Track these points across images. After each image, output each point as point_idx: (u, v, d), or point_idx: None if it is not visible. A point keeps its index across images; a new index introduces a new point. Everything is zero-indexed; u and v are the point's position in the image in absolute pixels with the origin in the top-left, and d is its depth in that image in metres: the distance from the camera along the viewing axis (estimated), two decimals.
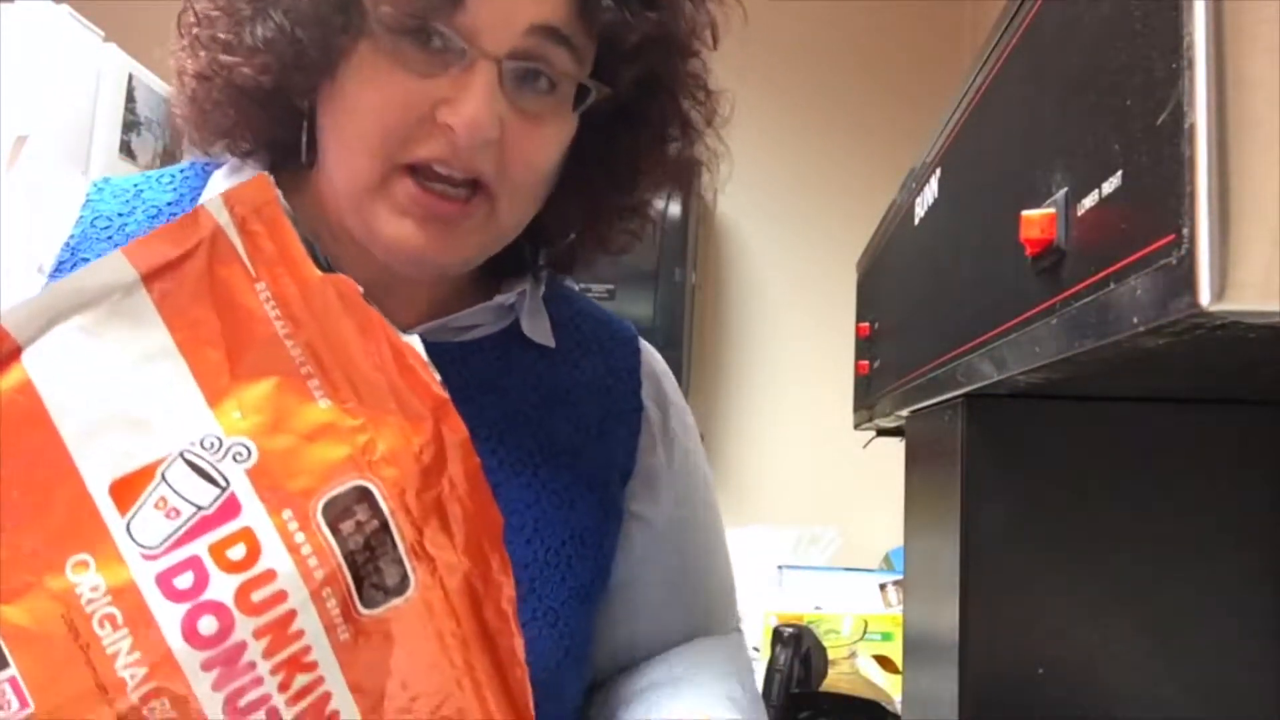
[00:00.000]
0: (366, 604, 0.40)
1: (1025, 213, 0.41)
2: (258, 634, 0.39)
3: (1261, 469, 0.54)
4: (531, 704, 0.45)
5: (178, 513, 0.39)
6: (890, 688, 1.21)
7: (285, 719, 0.39)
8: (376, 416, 0.42)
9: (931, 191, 0.65)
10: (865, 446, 1.00)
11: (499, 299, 0.68)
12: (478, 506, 0.43)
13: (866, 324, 0.92)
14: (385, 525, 0.41)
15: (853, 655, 1.36)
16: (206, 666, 0.38)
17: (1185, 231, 0.29)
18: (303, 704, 0.39)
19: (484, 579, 0.43)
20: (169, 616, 0.38)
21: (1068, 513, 0.55)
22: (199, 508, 0.39)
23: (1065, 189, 0.39)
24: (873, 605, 1.53)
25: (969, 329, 0.52)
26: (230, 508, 0.40)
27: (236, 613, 0.39)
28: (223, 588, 0.39)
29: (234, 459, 0.40)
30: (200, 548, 0.39)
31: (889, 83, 2.13)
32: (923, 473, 0.70)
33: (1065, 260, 0.39)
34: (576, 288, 0.83)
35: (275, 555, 0.39)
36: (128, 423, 0.40)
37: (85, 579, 0.38)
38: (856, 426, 0.97)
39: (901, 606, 1.25)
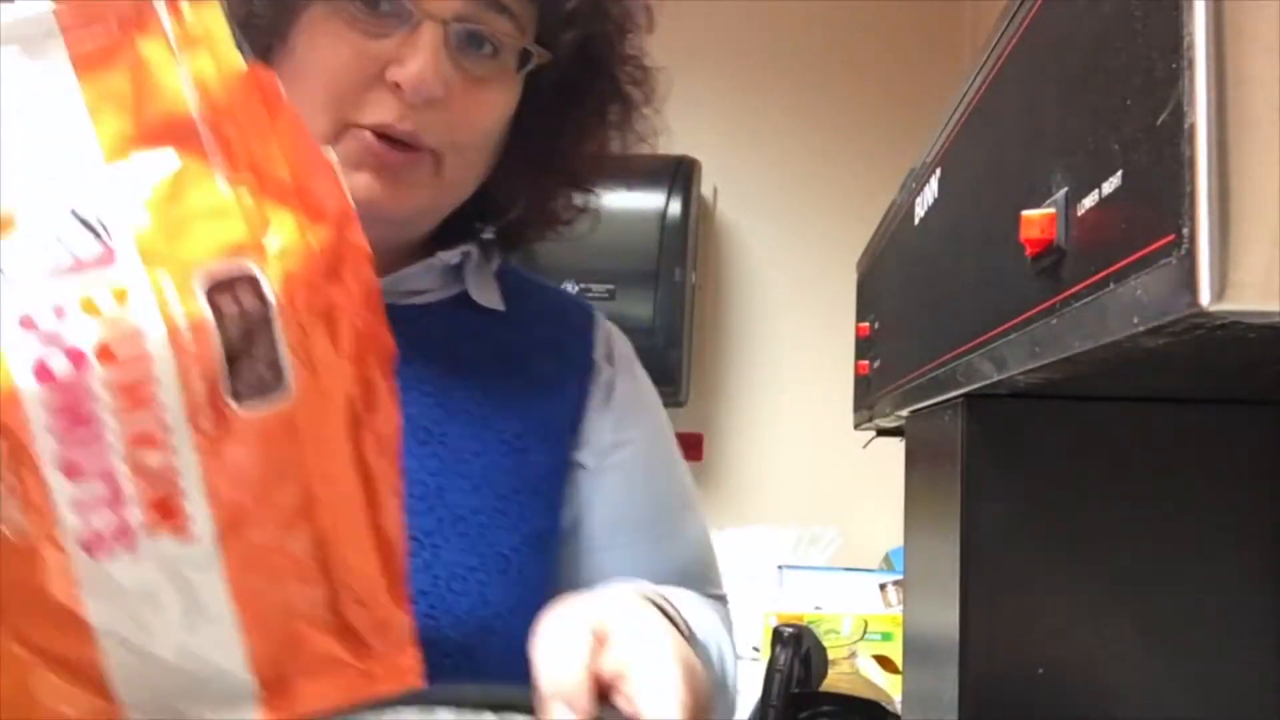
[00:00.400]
0: (236, 399, 0.37)
1: (1025, 213, 0.41)
2: (114, 397, 0.36)
3: (1261, 469, 0.54)
4: (404, 557, 0.41)
5: (54, 255, 0.37)
6: (890, 688, 1.21)
7: (125, 498, 0.36)
8: (278, 209, 0.40)
9: (931, 191, 0.65)
10: (865, 446, 1.00)
11: (442, 255, 0.70)
12: (369, 326, 0.41)
13: (866, 324, 0.92)
14: (268, 318, 0.38)
15: (853, 655, 1.36)
16: (49, 410, 0.35)
17: (1185, 231, 0.29)
18: (148, 487, 0.36)
19: (367, 403, 0.40)
20: (22, 349, 0.36)
21: (1068, 513, 0.55)
22: (77, 256, 0.37)
23: (1065, 189, 0.39)
24: (873, 605, 1.53)
25: (969, 329, 0.52)
26: (108, 263, 0.37)
27: (95, 365, 0.36)
28: (85, 337, 0.36)
29: (122, 218, 0.38)
30: (70, 294, 0.36)
31: (889, 82, 2.13)
32: (923, 473, 0.70)
33: (1065, 260, 0.39)
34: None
35: (147, 318, 0.37)
36: (19, 161, 0.38)
37: None
38: (856, 426, 0.97)
39: (901, 606, 1.25)
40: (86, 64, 0.40)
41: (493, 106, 0.66)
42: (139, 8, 0.41)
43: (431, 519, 0.65)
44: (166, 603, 0.37)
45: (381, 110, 0.61)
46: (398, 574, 0.41)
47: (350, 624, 0.39)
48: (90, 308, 0.36)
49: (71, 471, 0.36)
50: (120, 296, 0.37)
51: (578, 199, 0.78)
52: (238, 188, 0.40)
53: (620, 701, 0.47)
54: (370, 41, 0.60)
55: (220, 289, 0.37)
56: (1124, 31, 0.35)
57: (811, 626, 1.21)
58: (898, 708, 0.98)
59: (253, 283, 0.38)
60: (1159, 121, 0.31)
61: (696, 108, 2.17)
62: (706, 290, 2.16)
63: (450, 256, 0.70)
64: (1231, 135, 0.29)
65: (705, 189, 2.08)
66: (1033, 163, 0.44)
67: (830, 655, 1.20)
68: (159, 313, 0.37)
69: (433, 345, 0.69)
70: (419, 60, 0.60)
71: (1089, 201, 0.37)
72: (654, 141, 0.78)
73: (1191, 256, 0.29)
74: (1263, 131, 0.29)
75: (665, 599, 0.59)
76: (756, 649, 1.48)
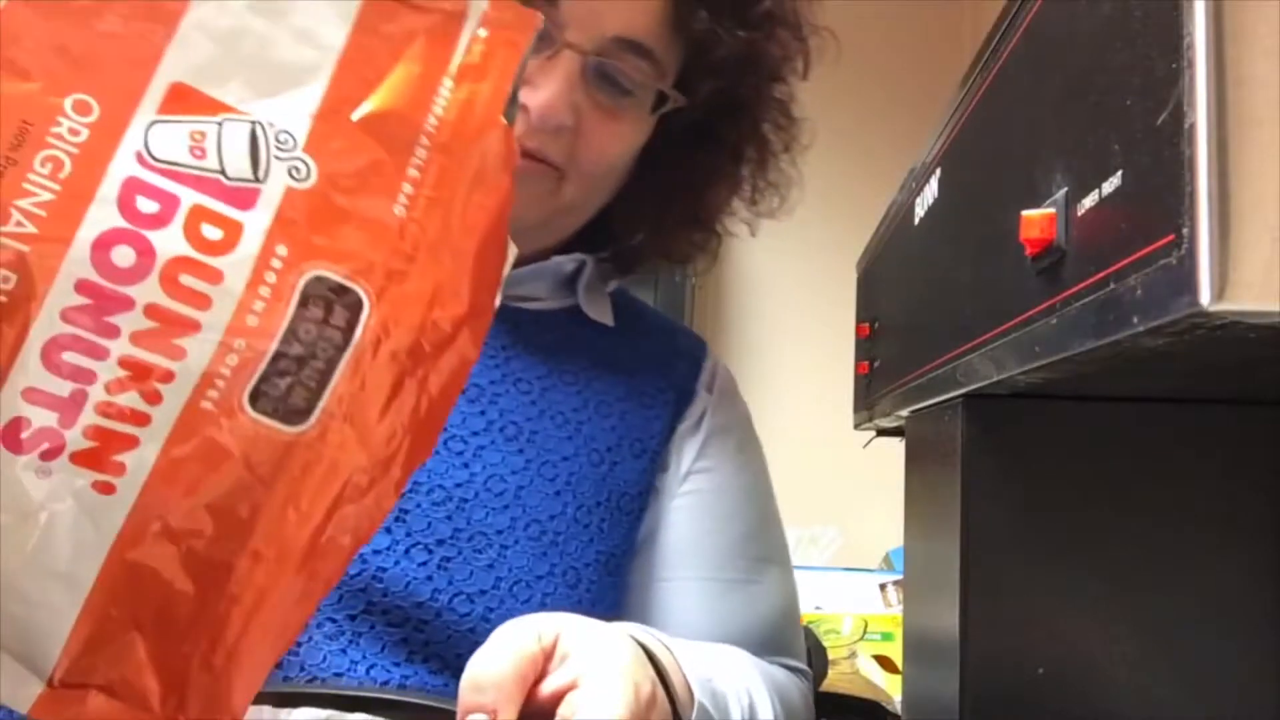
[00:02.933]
0: (251, 401, 0.33)
1: (1025, 213, 0.41)
2: (143, 320, 0.32)
3: (1261, 469, 0.54)
4: (276, 660, 0.36)
5: (202, 154, 0.34)
6: (890, 688, 1.21)
7: (79, 417, 0.32)
8: (425, 264, 0.36)
9: (931, 191, 0.65)
10: (865, 446, 1.00)
11: (556, 259, 0.69)
12: (421, 427, 0.37)
13: (866, 324, 0.92)
14: (342, 350, 0.34)
15: (853, 655, 1.36)
16: (77, 286, 0.32)
17: (1185, 231, 0.29)
18: (109, 422, 0.32)
19: (365, 490, 0.36)
20: (102, 216, 0.32)
21: (1068, 513, 0.55)
22: (222, 172, 0.34)
23: (1065, 189, 0.39)
24: (873, 605, 1.53)
25: (969, 329, 0.52)
26: (245, 199, 0.34)
27: (152, 277, 0.32)
28: (168, 244, 0.32)
29: (291, 170, 0.35)
30: (188, 198, 0.33)
31: (889, 82, 2.13)
32: (923, 473, 0.69)
33: (1065, 260, 0.39)
34: None
35: (235, 271, 0.33)
36: (241, 57, 0.35)
37: (75, 120, 0.33)
38: (856, 426, 0.97)
39: (901, 606, 1.25)
40: (366, 31, 0.37)
41: (620, 139, 0.65)
42: (454, 10, 0.38)
43: (505, 518, 0.63)
44: (38, 531, 0.32)
45: None
46: (259, 672, 0.35)
47: (183, 676, 0.34)
48: (194, 223, 0.33)
49: (50, 356, 0.32)
50: (229, 233, 0.33)
51: (698, 237, 0.77)
52: (411, 219, 0.36)
53: None
54: None
55: (319, 294, 0.34)
56: (1124, 31, 0.35)
57: (811, 626, 1.21)
58: (898, 708, 0.98)
59: (353, 310, 0.35)
60: (1159, 121, 0.31)
61: None
62: (706, 290, 2.16)
63: (564, 262, 0.69)
64: (1231, 135, 0.29)
65: None
66: (1033, 163, 0.44)
67: (830, 655, 1.20)
68: (249, 273, 0.33)
69: (536, 347, 0.68)
70: (551, 88, 0.59)
71: (1089, 201, 0.37)
72: (786, 193, 0.77)
73: (1191, 256, 0.29)
74: (1263, 131, 0.29)
75: (658, 638, 0.56)
76: None
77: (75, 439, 0.32)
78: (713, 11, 0.63)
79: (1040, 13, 0.45)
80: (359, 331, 0.34)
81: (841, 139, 2.15)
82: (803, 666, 0.76)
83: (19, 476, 0.32)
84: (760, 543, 0.75)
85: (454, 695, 0.58)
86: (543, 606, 0.62)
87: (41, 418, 0.31)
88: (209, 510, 0.33)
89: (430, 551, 0.60)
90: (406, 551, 0.60)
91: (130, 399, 0.32)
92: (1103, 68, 0.37)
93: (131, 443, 0.32)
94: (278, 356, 0.33)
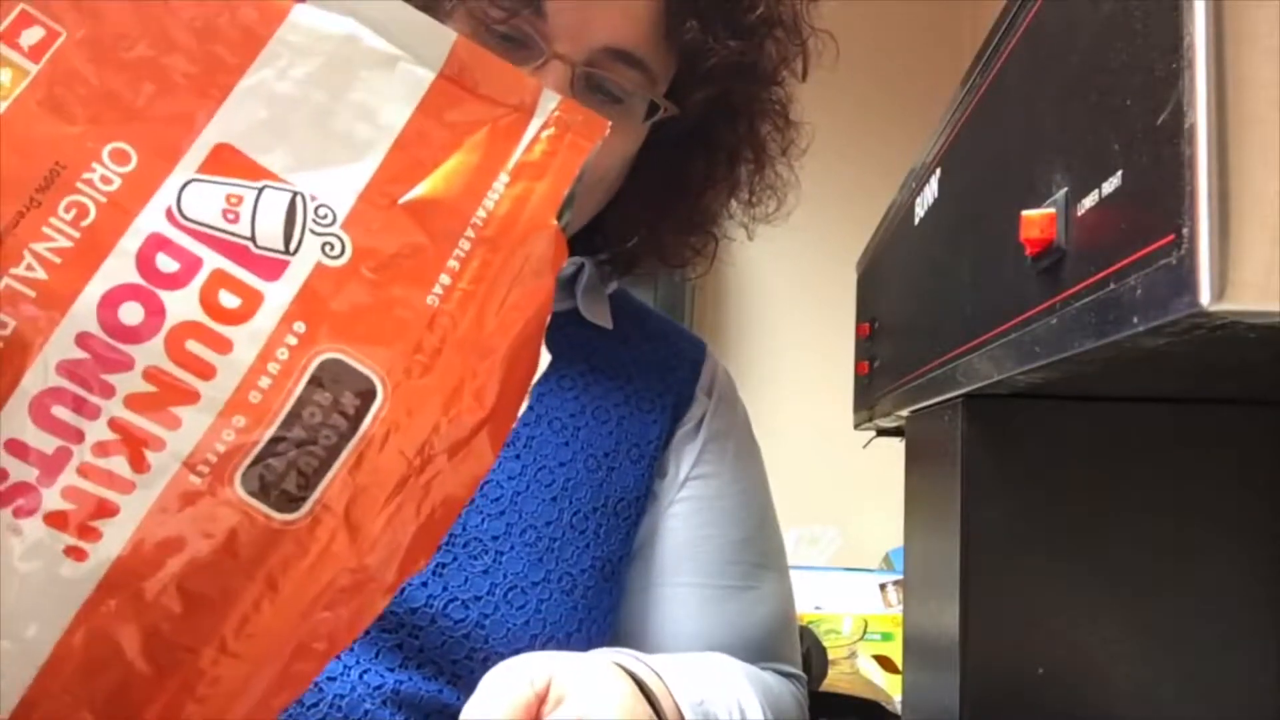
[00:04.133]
0: (242, 481, 0.31)
1: (1025, 213, 0.41)
2: (143, 385, 0.30)
3: (1261, 469, 0.54)
4: None
5: (235, 219, 0.33)
6: (890, 688, 1.21)
7: (58, 479, 0.30)
8: (450, 360, 0.34)
9: (931, 191, 0.65)
10: (865, 446, 1.00)
11: None
12: (421, 533, 0.34)
13: (866, 324, 0.92)
14: (345, 440, 0.32)
15: (853, 655, 1.36)
16: (81, 342, 0.30)
17: (1185, 231, 0.29)
18: (89, 488, 0.30)
19: (345, 593, 0.33)
20: (118, 269, 0.31)
21: (1068, 513, 0.55)
22: (252, 239, 0.33)
23: (1065, 189, 0.39)
24: (873, 605, 1.53)
25: (969, 329, 0.52)
26: (270, 269, 0.32)
27: (158, 340, 0.31)
28: (180, 307, 0.31)
29: (324, 245, 0.33)
30: (211, 261, 0.32)
31: (889, 82, 2.13)
32: (923, 473, 0.69)
33: (1065, 260, 0.39)
34: None
35: (245, 343, 0.32)
36: (294, 126, 0.34)
37: (109, 169, 0.32)
38: (856, 426, 0.97)
39: (901, 606, 1.25)
40: (428, 115, 0.36)
41: (610, 148, 0.64)
42: (519, 106, 0.37)
43: (501, 524, 0.62)
44: (10, 593, 0.30)
45: None
46: None
47: None
48: (212, 289, 0.32)
49: (39, 411, 0.30)
50: (248, 302, 0.32)
51: (694, 241, 0.76)
52: (443, 311, 0.35)
53: None
54: None
55: (331, 377, 0.32)
56: (1124, 31, 0.35)
57: (811, 627, 1.21)
58: (898, 708, 0.98)
59: (365, 399, 0.33)
60: (1159, 121, 0.31)
61: None
62: (706, 290, 2.16)
63: (563, 265, 0.69)
64: (1231, 135, 0.29)
65: None
66: (1033, 163, 0.44)
67: (830, 655, 1.20)
68: (259, 347, 0.32)
69: None
70: None
71: (1089, 201, 0.37)
72: (783, 196, 0.76)
73: (1191, 256, 0.29)
74: (1263, 131, 0.29)
75: (646, 664, 0.56)
76: None
77: (52, 499, 0.30)
78: (703, 20, 0.62)
79: (1040, 13, 0.45)
80: (367, 422, 0.33)
81: (841, 139, 2.15)
82: (797, 672, 0.76)
83: None
84: (757, 549, 0.75)
85: (448, 701, 0.58)
86: (538, 612, 0.62)
87: (20, 472, 0.30)
88: (180, 590, 0.31)
89: None
90: None
91: (116, 464, 0.30)
92: (1103, 68, 0.37)
93: (111, 510, 0.30)
94: (277, 438, 0.32)
